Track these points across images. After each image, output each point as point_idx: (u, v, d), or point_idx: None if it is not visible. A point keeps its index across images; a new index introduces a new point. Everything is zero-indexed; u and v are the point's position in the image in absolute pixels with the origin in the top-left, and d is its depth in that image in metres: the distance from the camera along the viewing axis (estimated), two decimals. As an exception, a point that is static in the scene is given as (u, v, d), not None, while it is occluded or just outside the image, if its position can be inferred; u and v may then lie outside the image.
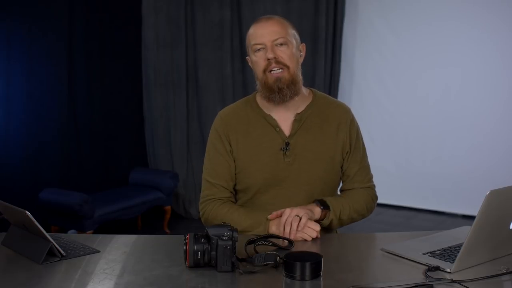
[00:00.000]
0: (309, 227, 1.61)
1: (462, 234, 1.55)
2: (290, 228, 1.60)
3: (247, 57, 1.82)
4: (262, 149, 1.76)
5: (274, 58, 1.70)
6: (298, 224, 1.60)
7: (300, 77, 1.77)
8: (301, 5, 5.17)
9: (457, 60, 5.02)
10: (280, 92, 1.71)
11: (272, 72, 1.71)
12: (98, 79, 4.70)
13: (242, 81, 5.28)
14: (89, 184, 4.55)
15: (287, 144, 1.75)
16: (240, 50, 5.26)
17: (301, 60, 1.80)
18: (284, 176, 1.75)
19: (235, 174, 1.80)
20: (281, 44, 1.71)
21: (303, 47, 1.82)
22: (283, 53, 1.71)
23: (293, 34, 1.76)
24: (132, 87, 5.03)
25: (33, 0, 4.08)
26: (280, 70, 1.71)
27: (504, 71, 4.84)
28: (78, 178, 4.52)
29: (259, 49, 1.72)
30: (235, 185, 1.82)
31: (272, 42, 1.71)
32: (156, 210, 4.75)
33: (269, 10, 5.13)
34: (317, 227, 1.62)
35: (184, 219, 5.08)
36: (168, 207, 4.64)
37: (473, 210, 1.60)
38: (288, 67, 1.72)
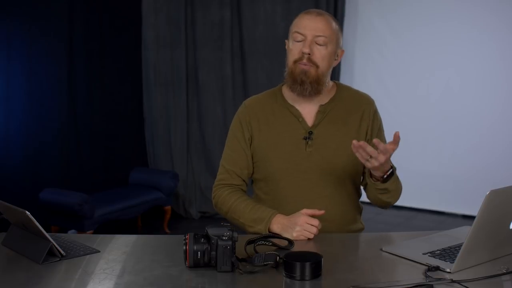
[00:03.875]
0: (308, 223, 1.61)
1: (462, 234, 1.55)
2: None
3: (286, 40, 1.82)
4: (284, 138, 1.78)
5: (308, 54, 1.71)
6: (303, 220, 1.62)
7: (327, 78, 1.79)
8: (301, 5, 5.15)
9: (457, 61, 5.01)
10: (302, 85, 1.73)
11: (301, 64, 1.73)
12: (98, 79, 4.70)
13: (242, 81, 5.27)
14: (89, 184, 4.54)
15: (310, 133, 1.77)
16: (240, 50, 5.25)
17: (335, 64, 1.81)
18: (306, 166, 1.77)
19: (254, 162, 1.82)
20: (320, 44, 1.72)
21: (341, 53, 1.82)
22: (318, 52, 1.72)
23: (336, 38, 1.76)
24: (132, 87, 5.03)
25: (33, 0, 4.08)
26: (308, 66, 1.72)
27: (503, 71, 4.84)
28: (78, 178, 4.51)
29: (298, 40, 1.73)
30: (252, 174, 1.85)
31: (313, 38, 1.71)
32: (156, 210, 4.74)
33: (269, 10, 5.13)
34: (317, 223, 1.62)
35: (184, 219, 5.08)
36: (168, 207, 4.63)
37: (473, 210, 1.60)
38: (317, 67, 1.73)
